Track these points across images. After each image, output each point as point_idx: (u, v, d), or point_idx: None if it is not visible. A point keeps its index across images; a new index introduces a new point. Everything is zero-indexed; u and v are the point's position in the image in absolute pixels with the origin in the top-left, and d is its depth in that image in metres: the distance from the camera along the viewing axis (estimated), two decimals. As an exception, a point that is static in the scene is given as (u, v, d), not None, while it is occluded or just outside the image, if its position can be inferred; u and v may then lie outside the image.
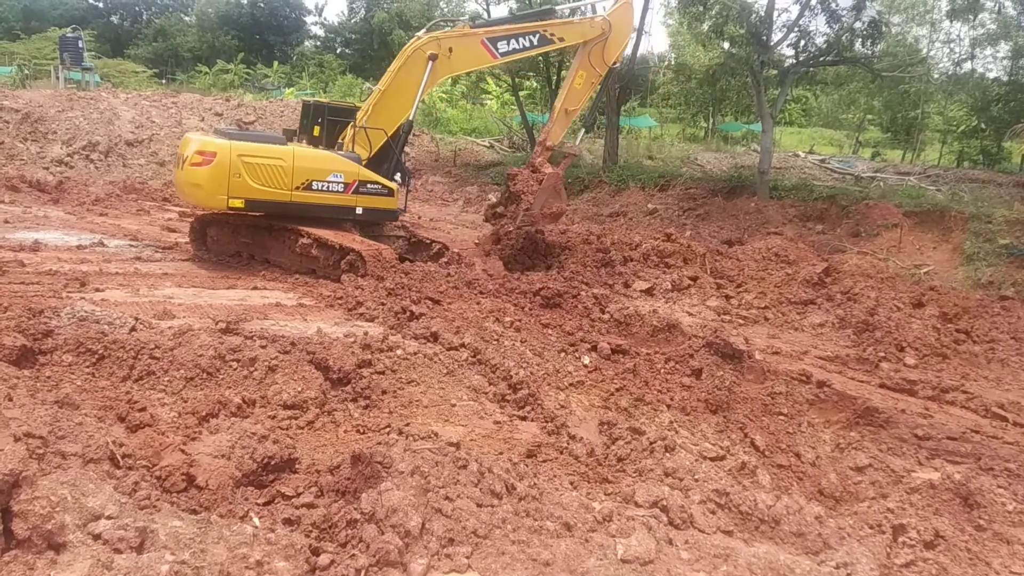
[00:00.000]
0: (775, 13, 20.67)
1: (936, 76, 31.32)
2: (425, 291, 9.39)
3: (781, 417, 7.25)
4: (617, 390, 7.16)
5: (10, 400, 4.42)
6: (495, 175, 24.53)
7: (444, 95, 38.86)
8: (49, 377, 5.49)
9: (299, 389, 5.98)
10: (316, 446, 5.49)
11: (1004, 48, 29.75)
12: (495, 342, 7.59)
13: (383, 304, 8.79)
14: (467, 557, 3.59)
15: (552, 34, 12.32)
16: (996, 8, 26.10)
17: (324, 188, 10.99)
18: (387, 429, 5.60)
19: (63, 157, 19.43)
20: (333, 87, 41.76)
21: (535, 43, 12.30)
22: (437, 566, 3.50)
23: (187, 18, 63.23)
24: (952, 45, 35.80)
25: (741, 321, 10.73)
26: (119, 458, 4.23)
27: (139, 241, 12.23)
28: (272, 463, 4.82)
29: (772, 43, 20.77)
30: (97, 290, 8.56)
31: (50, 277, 8.93)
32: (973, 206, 17.08)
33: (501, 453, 5.36)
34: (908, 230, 16.68)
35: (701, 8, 21.42)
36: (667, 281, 11.90)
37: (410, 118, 11.83)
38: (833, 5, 20.37)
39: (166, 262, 10.89)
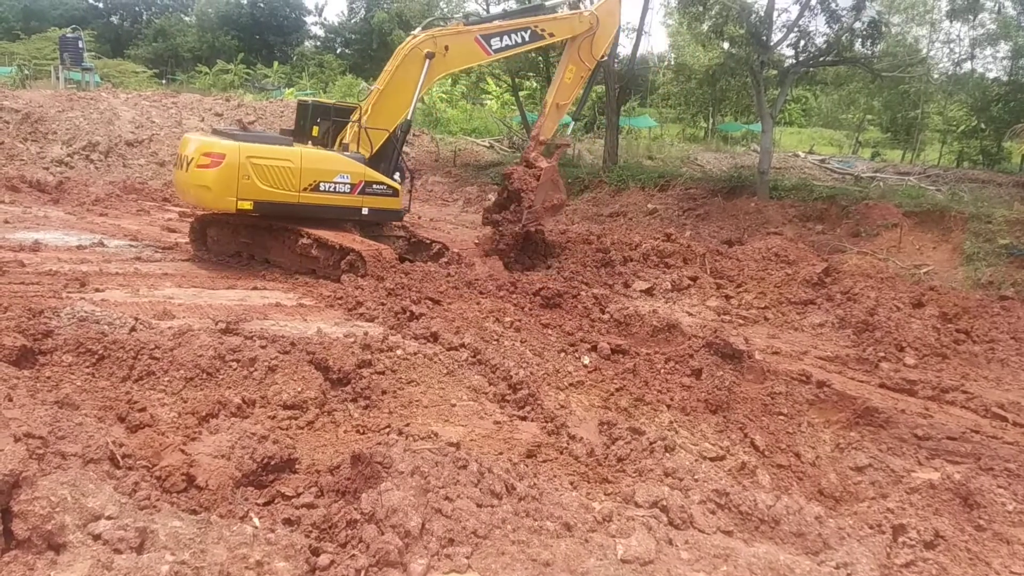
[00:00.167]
0: (775, 13, 20.71)
1: (936, 76, 31.35)
2: (425, 291, 9.39)
3: (781, 417, 7.25)
4: (617, 390, 7.16)
5: (10, 400, 4.42)
6: (495, 175, 24.50)
7: (444, 95, 38.88)
8: (49, 377, 5.49)
9: (299, 389, 5.98)
10: (316, 446, 5.49)
11: (1004, 48, 29.80)
12: (495, 342, 7.59)
13: (383, 304, 8.79)
14: (467, 557, 3.59)
15: (542, 30, 12.57)
16: (996, 8, 26.14)
17: (331, 189, 10.97)
18: (387, 429, 5.60)
19: (63, 157, 19.43)
20: (333, 87, 41.78)
21: (526, 39, 12.53)
22: (437, 566, 3.50)
23: (187, 18, 63.27)
24: (952, 45, 35.91)
25: (741, 321, 10.73)
26: (119, 458, 4.23)
27: (139, 241, 12.23)
28: (272, 463, 4.82)
29: (772, 43, 20.77)
30: (97, 290, 8.56)
31: (50, 277, 8.93)
32: (973, 206, 17.07)
33: (501, 453, 5.36)
34: (908, 230, 16.68)
35: (701, 8, 21.41)
36: (667, 281, 11.90)
37: (408, 117, 11.86)
38: (833, 5, 20.38)
39: (166, 262, 10.89)
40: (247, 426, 5.10)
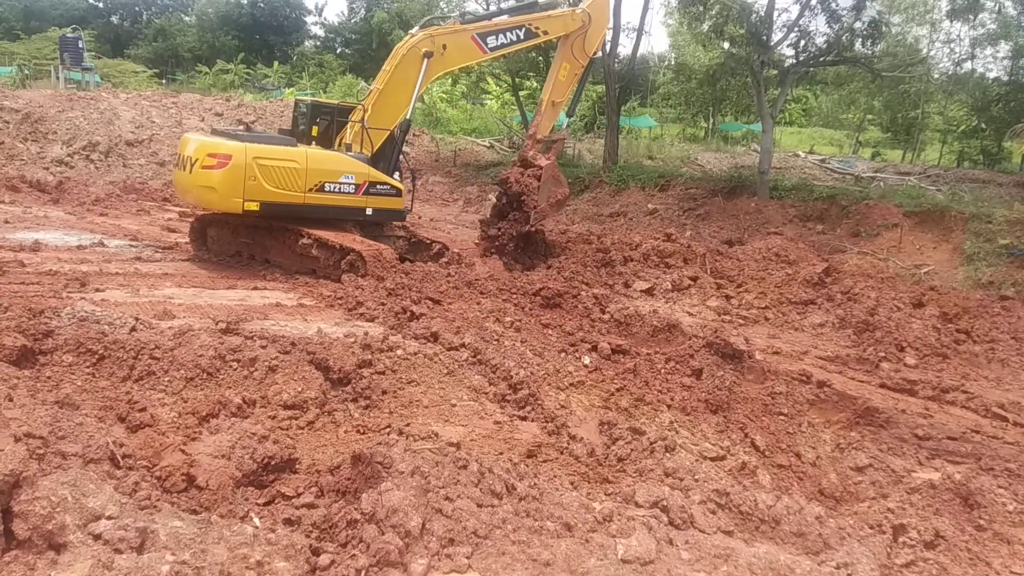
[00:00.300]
0: (775, 13, 20.71)
1: (936, 76, 31.39)
2: (425, 291, 9.39)
3: (781, 417, 7.25)
4: (617, 390, 7.16)
5: (10, 400, 4.42)
6: (495, 175, 24.48)
7: (444, 95, 38.87)
8: (49, 377, 5.49)
9: (299, 389, 5.98)
10: (316, 446, 5.49)
11: (1004, 48, 29.80)
12: (495, 342, 7.58)
13: (383, 304, 8.79)
14: (467, 557, 3.59)
15: (536, 27, 12.75)
16: (996, 8, 26.16)
17: (336, 190, 10.95)
18: (387, 429, 5.60)
19: (63, 157, 19.42)
20: (333, 87, 41.78)
21: (521, 37, 12.69)
22: (437, 566, 3.50)
23: (187, 18, 63.26)
24: (952, 45, 35.85)
25: (741, 321, 10.73)
26: (119, 458, 4.23)
27: (139, 241, 12.22)
28: (272, 463, 4.82)
29: (772, 43, 20.76)
30: (97, 290, 8.55)
31: (50, 277, 8.93)
32: (973, 206, 17.07)
33: (501, 453, 5.36)
34: (908, 230, 16.68)
35: (701, 8, 21.42)
36: (667, 281, 11.90)
37: (407, 116, 11.88)
38: (833, 5, 20.39)
39: (166, 262, 10.89)
40: (247, 426, 5.10)
